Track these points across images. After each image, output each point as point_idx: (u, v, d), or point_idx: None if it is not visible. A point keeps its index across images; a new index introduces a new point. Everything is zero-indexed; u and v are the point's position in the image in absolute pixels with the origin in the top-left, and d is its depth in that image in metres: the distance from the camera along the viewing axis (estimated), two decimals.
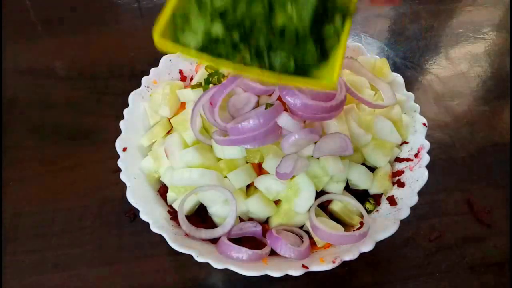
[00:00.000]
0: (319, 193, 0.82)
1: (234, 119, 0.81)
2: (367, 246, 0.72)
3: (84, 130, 1.15)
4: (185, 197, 0.79)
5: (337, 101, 0.76)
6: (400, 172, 0.88)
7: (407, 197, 0.81)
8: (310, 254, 0.75)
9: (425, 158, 0.84)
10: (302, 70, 0.55)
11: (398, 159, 0.91)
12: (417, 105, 0.94)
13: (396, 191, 0.85)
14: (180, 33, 0.55)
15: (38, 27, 1.53)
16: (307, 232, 0.80)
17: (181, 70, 1.04)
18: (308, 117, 0.76)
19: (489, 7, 1.63)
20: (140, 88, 0.97)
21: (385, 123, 0.87)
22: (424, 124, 0.91)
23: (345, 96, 0.78)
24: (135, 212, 0.93)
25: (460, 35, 1.50)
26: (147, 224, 0.74)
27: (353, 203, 0.82)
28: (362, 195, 0.87)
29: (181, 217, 0.78)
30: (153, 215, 0.77)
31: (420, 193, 0.80)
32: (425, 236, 0.93)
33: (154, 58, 1.04)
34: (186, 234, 0.78)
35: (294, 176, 0.79)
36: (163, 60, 1.03)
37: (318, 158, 0.80)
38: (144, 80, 0.99)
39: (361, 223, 0.81)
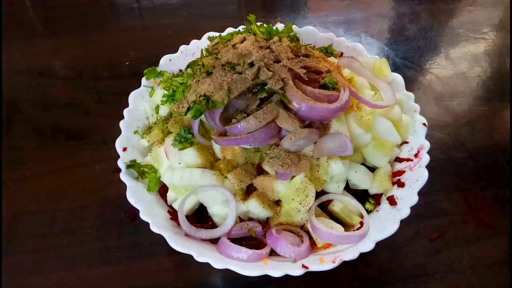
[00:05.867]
0: (319, 193, 0.82)
1: (234, 119, 0.81)
2: (367, 246, 0.72)
3: (84, 130, 1.15)
4: (185, 197, 0.79)
5: (341, 102, 0.76)
6: (400, 172, 0.88)
7: (407, 197, 0.80)
8: (310, 254, 0.75)
9: (425, 158, 0.84)
10: None
11: (398, 159, 0.91)
12: (417, 105, 0.94)
13: (396, 191, 0.85)
14: None
15: (38, 27, 1.53)
16: (307, 232, 0.80)
17: (181, 70, 1.04)
18: (313, 119, 0.77)
19: (489, 7, 1.64)
20: (140, 88, 0.97)
21: (385, 123, 0.87)
22: (424, 124, 0.91)
23: (348, 96, 0.78)
24: (135, 212, 0.93)
25: (460, 35, 1.50)
26: (147, 224, 0.74)
27: (353, 203, 0.82)
28: (362, 195, 0.87)
29: (181, 217, 0.78)
30: (153, 215, 0.77)
31: (420, 193, 0.79)
32: (425, 236, 0.93)
33: (154, 58, 1.04)
34: (186, 234, 0.78)
35: (294, 176, 0.79)
36: (163, 60, 1.03)
37: (318, 158, 0.80)
38: (144, 80, 0.99)
39: (361, 223, 0.81)
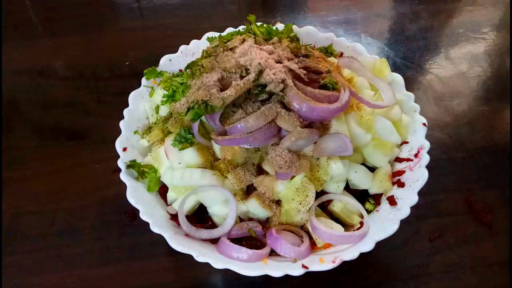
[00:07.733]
0: (319, 193, 0.82)
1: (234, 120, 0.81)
2: (367, 246, 0.72)
3: (84, 130, 1.15)
4: (185, 197, 0.79)
5: (341, 103, 0.76)
6: (400, 172, 0.88)
7: (407, 197, 0.80)
8: (310, 254, 0.75)
9: (425, 158, 0.84)
10: None
11: (398, 159, 0.91)
12: (417, 105, 0.94)
13: (396, 191, 0.85)
14: None
15: (38, 27, 1.53)
16: (307, 232, 0.80)
17: (181, 70, 1.04)
18: (313, 119, 0.77)
19: (489, 7, 1.64)
20: (140, 88, 0.97)
21: (385, 123, 0.87)
22: (424, 124, 0.91)
23: (348, 96, 0.78)
24: (135, 212, 0.93)
25: (460, 35, 1.50)
26: (147, 224, 0.74)
27: (353, 203, 0.82)
28: (362, 195, 0.87)
29: (181, 217, 0.78)
30: (153, 215, 0.77)
31: (420, 193, 0.80)
32: (425, 236, 0.93)
33: (154, 58, 1.04)
34: (186, 234, 0.78)
35: (294, 176, 0.79)
36: (163, 60, 1.03)
37: (318, 158, 0.80)
38: (144, 80, 0.99)
39: (361, 223, 0.81)
